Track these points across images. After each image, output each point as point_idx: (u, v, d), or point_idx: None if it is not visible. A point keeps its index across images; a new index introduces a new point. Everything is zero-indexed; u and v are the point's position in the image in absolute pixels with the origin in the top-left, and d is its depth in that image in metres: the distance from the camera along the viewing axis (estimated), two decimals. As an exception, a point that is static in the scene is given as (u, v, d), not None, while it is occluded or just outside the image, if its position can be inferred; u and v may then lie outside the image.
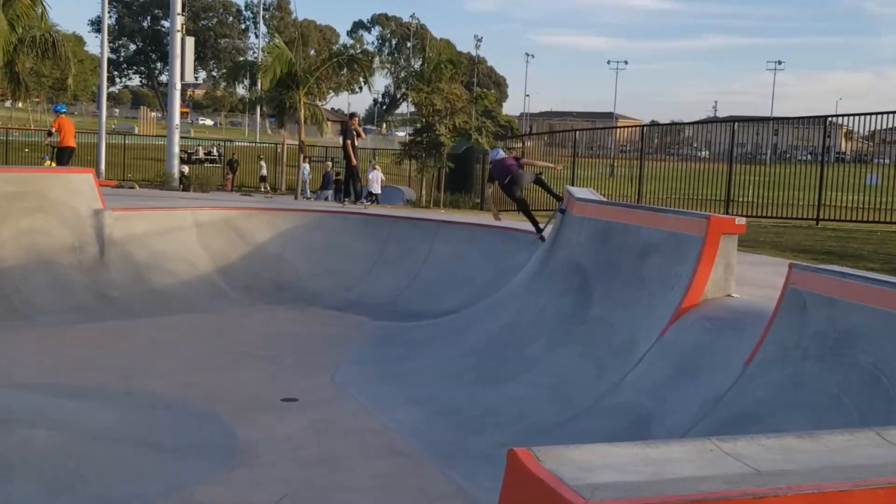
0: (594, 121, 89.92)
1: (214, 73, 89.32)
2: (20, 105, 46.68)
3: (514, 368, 9.86)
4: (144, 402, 8.97)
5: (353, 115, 22.11)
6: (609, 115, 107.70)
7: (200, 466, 7.16)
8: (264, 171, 37.85)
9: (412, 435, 8.17)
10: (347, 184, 21.02)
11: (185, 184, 28.43)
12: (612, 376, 8.58)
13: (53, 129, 21.02)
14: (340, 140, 20.70)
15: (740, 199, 25.89)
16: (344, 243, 16.77)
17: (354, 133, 20.29)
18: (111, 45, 73.49)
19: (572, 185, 23.17)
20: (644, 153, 28.71)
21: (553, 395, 8.88)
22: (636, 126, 45.94)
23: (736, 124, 27.45)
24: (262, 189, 33.89)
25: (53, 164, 23.91)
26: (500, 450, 6.78)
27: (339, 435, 8.18)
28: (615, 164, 33.77)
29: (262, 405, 9.02)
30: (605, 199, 13.33)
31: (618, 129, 45.24)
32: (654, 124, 52.53)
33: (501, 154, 14.83)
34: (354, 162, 20.38)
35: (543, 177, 14.82)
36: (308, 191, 31.96)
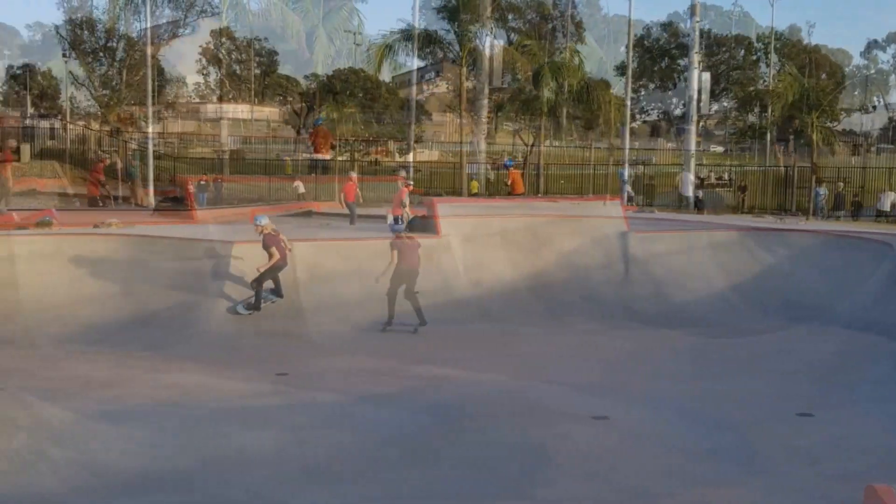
0: None
1: (725, 104, 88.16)
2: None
3: None
4: (670, 407, 9.20)
5: None
6: None
7: (720, 469, 7.19)
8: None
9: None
10: None
11: (700, 206, 28.54)
12: None
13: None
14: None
15: None
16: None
17: None
18: (633, 85, 76.67)
19: None
20: None
21: None
22: None
23: None
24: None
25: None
26: None
27: (858, 452, 7.58)
28: None
29: (777, 417, 8.73)
30: None
31: None
32: None
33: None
34: None
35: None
36: (824, 211, 29.78)
